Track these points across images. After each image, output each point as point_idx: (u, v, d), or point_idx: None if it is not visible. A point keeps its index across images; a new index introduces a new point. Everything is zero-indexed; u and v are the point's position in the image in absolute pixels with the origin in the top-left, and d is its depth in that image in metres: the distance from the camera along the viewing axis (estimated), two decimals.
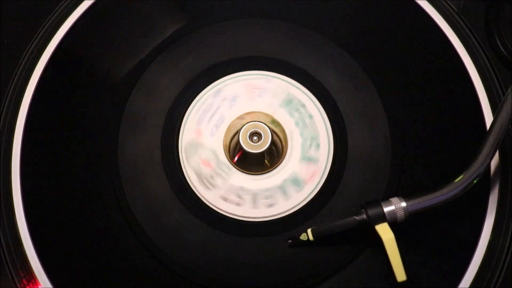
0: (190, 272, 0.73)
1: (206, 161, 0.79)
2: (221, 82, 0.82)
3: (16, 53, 0.81)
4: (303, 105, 0.80)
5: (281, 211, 0.76)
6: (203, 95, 0.81)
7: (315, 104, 0.80)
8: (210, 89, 0.81)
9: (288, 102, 0.81)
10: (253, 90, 0.81)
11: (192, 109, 0.80)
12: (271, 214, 0.76)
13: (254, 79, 0.82)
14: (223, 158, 0.79)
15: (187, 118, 0.80)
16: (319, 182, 0.77)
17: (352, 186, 0.76)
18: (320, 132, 0.79)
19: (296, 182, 0.77)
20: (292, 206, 0.76)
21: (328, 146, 0.79)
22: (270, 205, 0.76)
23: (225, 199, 0.77)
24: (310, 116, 0.80)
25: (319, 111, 0.80)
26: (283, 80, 0.81)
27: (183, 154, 0.78)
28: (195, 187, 0.78)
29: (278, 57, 0.82)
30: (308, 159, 0.78)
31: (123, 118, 0.79)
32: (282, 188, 0.77)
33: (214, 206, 0.76)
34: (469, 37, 0.82)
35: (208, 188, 0.77)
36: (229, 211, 0.76)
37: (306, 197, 0.76)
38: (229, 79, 0.82)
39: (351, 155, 0.78)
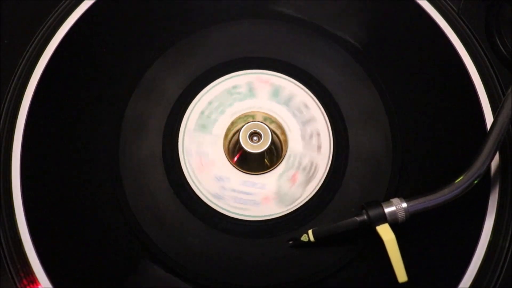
0: (190, 272, 0.73)
1: (204, 148, 0.79)
2: (191, 110, 0.81)
3: (16, 53, 0.81)
4: (306, 106, 0.80)
5: (281, 211, 0.76)
6: (183, 132, 0.80)
7: (329, 139, 0.80)
8: (187, 122, 0.81)
9: (275, 93, 0.81)
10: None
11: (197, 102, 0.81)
12: (271, 214, 0.76)
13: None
14: (220, 149, 0.79)
15: (187, 120, 0.80)
16: (319, 182, 0.77)
17: (353, 187, 0.76)
18: (321, 126, 0.79)
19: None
20: (321, 174, 0.76)
21: (329, 146, 0.79)
22: (271, 205, 0.76)
23: (209, 187, 0.77)
24: (306, 105, 0.80)
25: (326, 128, 0.80)
26: (238, 76, 0.82)
27: (184, 135, 0.79)
28: (187, 169, 0.78)
29: (278, 57, 0.82)
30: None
31: (124, 119, 0.79)
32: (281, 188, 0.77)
33: (215, 206, 0.76)
34: (469, 37, 0.82)
35: (198, 173, 0.78)
36: (230, 211, 0.76)
37: (307, 198, 0.76)
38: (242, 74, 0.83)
39: (352, 155, 0.78)
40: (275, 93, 0.81)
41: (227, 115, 0.80)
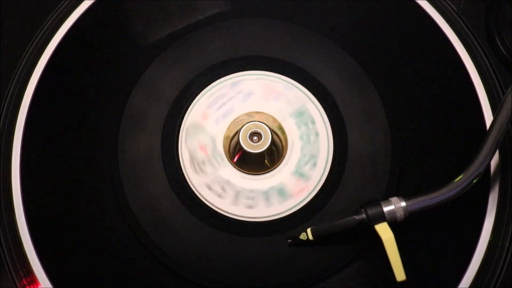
0: (190, 272, 0.73)
1: (203, 146, 0.79)
2: (241, 76, 0.82)
3: (16, 53, 0.81)
4: (313, 122, 0.80)
5: (281, 210, 0.76)
6: (220, 83, 0.81)
7: (324, 123, 0.80)
8: (229, 79, 0.82)
9: (300, 114, 0.80)
10: (270, 91, 0.81)
11: (201, 97, 0.81)
12: (271, 214, 0.76)
13: (272, 81, 0.82)
14: (220, 148, 0.79)
15: (187, 119, 0.80)
16: (319, 181, 0.77)
17: (352, 186, 0.76)
18: (321, 152, 0.79)
19: (282, 193, 0.78)
20: (291, 206, 0.76)
21: (328, 145, 0.79)
22: (272, 205, 0.77)
23: (209, 188, 0.77)
24: (317, 134, 0.79)
25: (326, 128, 0.80)
26: (301, 91, 0.81)
27: (183, 133, 0.78)
28: (185, 168, 0.78)
29: (278, 57, 0.82)
30: (300, 175, 0.78)
31: (123, 118, 0.79)
32: (266, 193, 0.78)
33: (215, 206, 0.76)
34: (469, 37, 0.82)
35: (196, 172, 0.78)
36: (229, 211, 0.76)
37: (306, 197, 0.76)
38: (247, 75, 0.82)
39: (351, 154, 0.78)
40: (290, 101, 0.81)
41: (227, 115, 0.80)
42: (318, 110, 0.80)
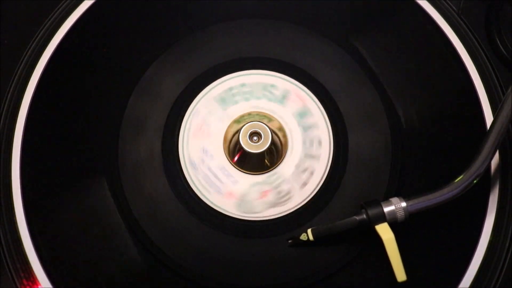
0: (190, 272, 0.73)
1: (205, 144, 0.80)
2: (191, 110, 0.81)
3: (16, 53, 0.81)
4: (317, 127, 0.80)
5: (282, 211, 0.76)
6: (183, 132, 0.80)
7: (329, 139, 0.79)
8: (186, 122, 0.81)
9: (302, 114, 0.81)
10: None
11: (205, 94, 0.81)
12: (271, 214, 0.76)
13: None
14: (220, 146, 0.80)
15: (187, 119, 0.80)
16: (319, 182, 0.77)
17: (352, 186, 0.76)
18: (321, 159, 0.79)
19: None
20: (292, 206, 0.76)
21: (328, 146, 0.79)
22: (273, 205, 0.77)
23: (205, 180, 0.78)
24: (319, 142, 0.80)
25: (326, 128, 0.80)
26: (238, 76, 0.82)
27: (184, 134, 0.79)
28: (186, 168, 0.78)
29: (278, 57, 0.83)
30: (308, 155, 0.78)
31: (123, 119, 0.79)
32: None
33: (214, 206, 0.76)
34: (469, 37, 0.82)
35: (195, 169, 0.78)
36: (229, 211, 0.76)
37: (307, 197, 0.76)
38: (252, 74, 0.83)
39: (352, 155, 0.78)
40: (275, 93, 0.81)
41: (228, 115, 0.80)
42: (324, 117, 0.80)
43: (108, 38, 0.83)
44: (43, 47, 0.81)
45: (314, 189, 0.77)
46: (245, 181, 0.78)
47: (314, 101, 0.81)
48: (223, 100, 0.81)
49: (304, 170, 0.78)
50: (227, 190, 0.77)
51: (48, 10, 0.83)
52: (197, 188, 0.77)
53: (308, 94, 0.81)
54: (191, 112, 0.80)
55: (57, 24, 0.82)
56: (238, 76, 0.82)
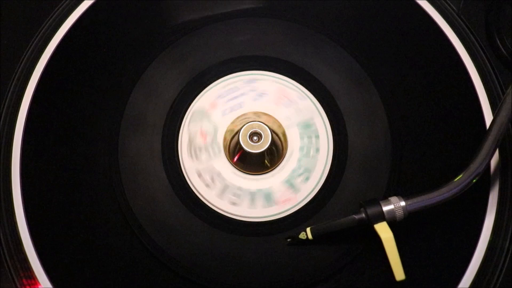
0: (190, 272, 0.73)
1: (204, 133, 0.79)
2: (258, 74, 0.82)
3: (16, 53, 0.81)
4: (317, 136, 0.80)
5: (281, 210, 0.76)
6: (183, 132, 0.80)
7: (328, 138, 0.80)
8: (245, 75, 0.82)
9: (306, 126, 0.80)
10: (283, 97, 0.81)
11: (206, 92, 0.81)
12: (271, 214, 0.76)
13: (287, 87, 0.82)
14: (220, 140, 0.80)
15: (187, 119, 0.80)
16: (319, 182, 0.77)
17: (352, 185, 0.76)
18: (316, 169, 0.78)
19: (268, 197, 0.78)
20: (292, 205, 0.76)
21: (328, 145, 0.79)
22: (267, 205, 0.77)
23: (199, 175, 0.77)
24: (317, 150, 0.79)
25: (325, 128, 0.80)
26: (313, 103, 0.81)
27: (188, 117, 0.78)
28: (181, 151, 0.78)
29: (278, 56, 0.83)
30: (290, 185, 0.78)
31: (123, 118, 0.79)
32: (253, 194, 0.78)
33: (214, 206, 0.76)
34: (469, 37, 0.82)
35: (191, 157, 0.78)
36: (229, 211, 0.76)
37: (306, 197, 0.76)
38: (261, 74, 0.83)
39: (351, 154, 0.78)
40: (299, 111, 0.81)
41: (228, 115, 0.80)
42: (325, 125, 0.80)
43: (108, 37, 0.83)
44: (43, 47, 0.81)
45: (314, 188, 0.77)
46: (270, 181, 0.78)
47: (314, 101, 0.81)
48: (223, 99, 0.81)
49: (310, 136, 0.79)
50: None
51: (48, 10, 0.83)
52: (197, 188, 0.77)
53: (308, 94, 0.81)
54: (191, 111, 0.80)
55: (57, 24, 0.82)
56: (237, 76, 0.82)
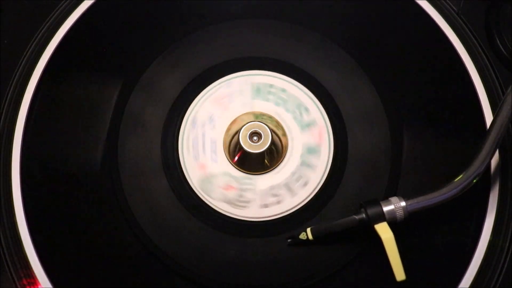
0: (190, 272, 0.73)
1: (227, 185, 0.79)
2: (191, 110, 0.81)
3: (16, 53, 0.81)
4: (271, 85, 0.80)
5: (281, 211, 0.76)
6: (183, 132, 0.80)
7: (328, 138, 0.79)
8: (186, 122, 0.80)
9: (257, 90, 0.81)
10: (221, 101, 0.81)
11: (185, 135, 0.80)
12: (271, 214, 0.76)
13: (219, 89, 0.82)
14: (220, 139, 0.80)
15: (187, 119, 0.80)
16: (319, 181, 0.77)
17: (352, 186, 0.76)
18: (317, 171, 0.78)
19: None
20: (292, 205, 0.76)
21: (328, 146, 0.79)
22: (269, 205, 0.76)
23: (201, 178, 0.78)
24: (283, 90, 0.79)
25: (326, 127, 0.80)
26: (238, 76, 0.82)
27: (202, 192, 0.77)
28: (182, 151, 0.79)
29: (277, 57, 0.83)
30: (306, 125, 0.78)
31: (123, 119, 0.79)
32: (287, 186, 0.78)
33: (214, 206, 0.76)
34: (469, 37, 0.82)
35: (244, 207, 0.77)
36: (229, 211, 0.76)
37: (307, 197, 0.76)
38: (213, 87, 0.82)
39: (352, 154, 0.78)
40: (241, 91, 0.81)
41: (228, 114, 0.80)
42: (328, 142, 0.80)
43: (108, 37, 0.83)
44: (43, 47, 0.81)
45: (314, 188, 0.77)
46: (270, 181, 0.78)
47: (314, 101, 0.81)
48: (223, 100, 0.81)
49: (310, 136, 0.79)
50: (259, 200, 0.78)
51: (48, 10, 0.83)
52: (198, 188, 0.77)
53: (308, 94, 0.81)
54: (191, 111, 0.80)
55: (57, 24, 0.82)
56: (237, 76, 0.82)
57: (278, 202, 0.77)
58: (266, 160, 0.79)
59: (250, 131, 0.77)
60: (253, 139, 0.77)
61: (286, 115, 0.80)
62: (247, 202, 0.77)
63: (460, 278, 0.72)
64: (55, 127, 0.79)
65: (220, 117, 0.80)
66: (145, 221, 0.75)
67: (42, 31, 0.82)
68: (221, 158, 0.79)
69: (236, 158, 0.79)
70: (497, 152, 0.73)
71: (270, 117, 0.80)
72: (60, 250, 0.74)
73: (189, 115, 0.80)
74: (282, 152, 0.79)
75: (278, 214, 0.76)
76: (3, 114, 0.78)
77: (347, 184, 0.77)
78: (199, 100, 0.81)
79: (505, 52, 0.80)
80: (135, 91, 0.80)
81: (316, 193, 0.77)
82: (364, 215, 0.70)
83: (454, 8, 0.84)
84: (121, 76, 0.81)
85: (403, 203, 0.70)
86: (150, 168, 0.77)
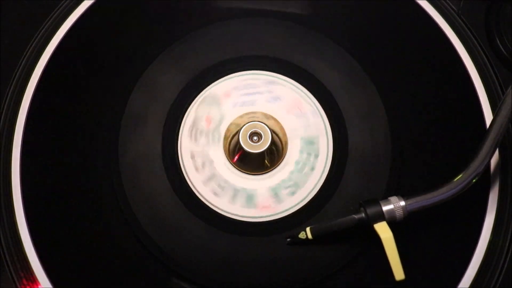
0: (190, 272, 0.73)
1: (210, 118, 0.80)
2: (191, 110, 0.81)
3: (16, 53, 0.81)
4: (316, 156, 0.79)
5: (281, 210, 0.76)
6: (183, 132, 0.80)
7: (328, 139, 0.79)
8: (267, 76, 0.82)
9: (310, 142, 0.80)
10: (295, 107, 0.81)
11: (228, 79, 0.82)
12: (271, 214, 0.76)
13: (303, 99, 0.82)
14: (223, 130, 0.80)
15: (187, 119, 0.80)
16: (318, 181, 0.77)
17: (352, 185, 0.76)
18: (307, 185, 0.78)
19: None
20: (292, 205, 0.76)
21: (328, 144, 0.79)
22: (269, 205, 0.76)
23: (192, 157, 0.78)
24: (312, 168, 0.79)
25: (325, 128, 0.80)
26: (324, 122, 0.80)
27: (202, 192, 0.78)
28: (182, 133, 0.79)
29: (277, 56, 0.83)
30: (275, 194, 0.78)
31: (123, 118, 0.79)
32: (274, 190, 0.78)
33: (214, 205, 0.76)
34: (469, 37, 0.82)
35: (191, 139, 0.78)
36: (229, 211, 0.76)
37: (306, 196, 0.76)
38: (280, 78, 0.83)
39: (351, 154, 0.78)
40: (308, 126, 0.81)
41: (228, 115, 0.80)
42: (327, 147, 0.80)
43: (108, 37, 0.83)
44: (43, 47, 0.81)
45: (314, 188, 0.77)
46: (270, 181, 0.78)
47: (313, 101, 0.81)
48: (224, 99, 0.81)
49: (310, 136, 0.79)
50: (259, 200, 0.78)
51: (48, 10, 0.83)
52: (197, 188, 0.77)
53: (308, 94, 0.81)
54: (191, 111, 0.80)
55: (57, 24, 0.82)
56: (237, 76, 0.82)
57: (278, 202, 0.77)
58: (266, 160, 0.79)
59: (250, 131, 0.77)
60: (253, 139, 0.77)
61: (286, 115, 0.81)
62: (247, 202, 0.77)
63: (460, 278, 0.72)
64: (55, 126, 0.79)
65: (220, 116, 0.80)
66: (145, 221, 0.75)
67: (42, 31, 0.82)
68: (221, 158, 0.79)
69: (236, 158, 0.79)
70: (497, 151, 0.73)
71: (270, 117, 0.80)
72: (60, 250, 0.74)
73: (189, 114, 0.80)
74: (282, 152, 0.79)
75: (278, 213, 0.76)
76: (3, 114, 0.78)
77: (346, 183, 0.77)
78: (199, 100, 0.81)
79: (505, 52, 0.80)
80: (135, 91, 0.80)
81: (316, 192, 0.77)
82: (363, 215, 0.70)
83: (454, 8, 0.84)
84: (121, 75, 0.81)
85: (402, 203, 0.70)
86: (150, 168, 0.77)
